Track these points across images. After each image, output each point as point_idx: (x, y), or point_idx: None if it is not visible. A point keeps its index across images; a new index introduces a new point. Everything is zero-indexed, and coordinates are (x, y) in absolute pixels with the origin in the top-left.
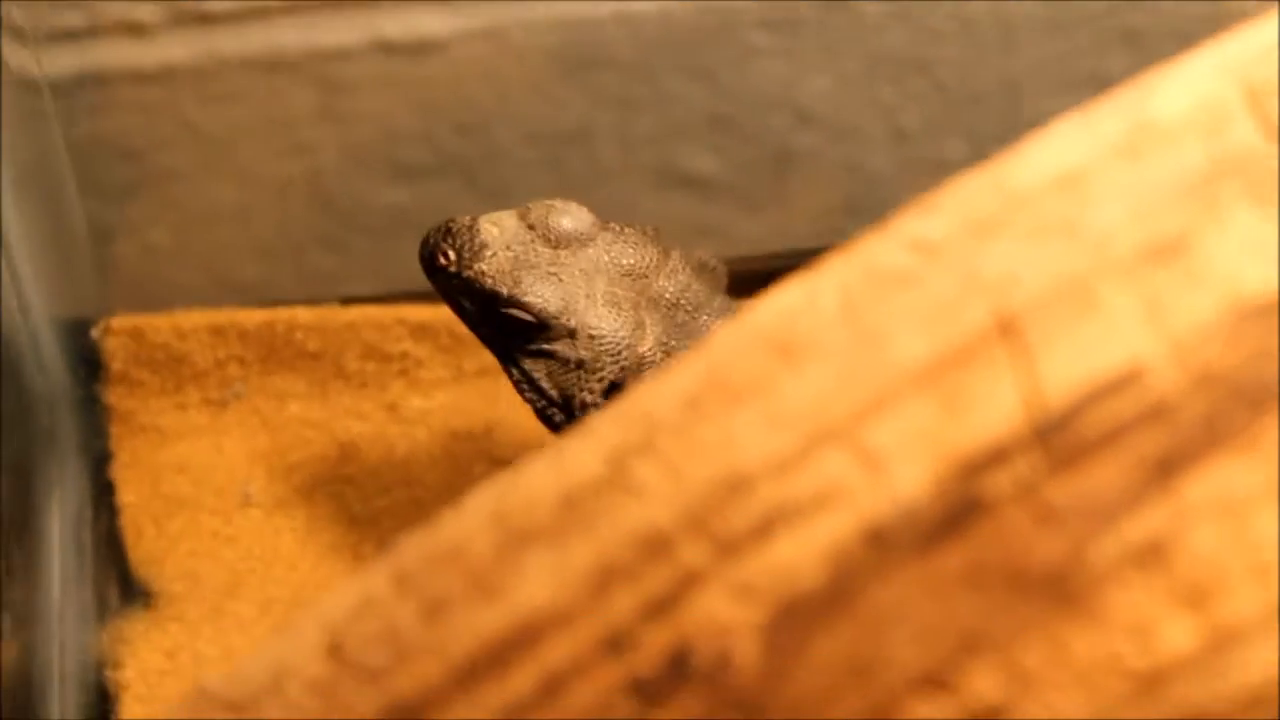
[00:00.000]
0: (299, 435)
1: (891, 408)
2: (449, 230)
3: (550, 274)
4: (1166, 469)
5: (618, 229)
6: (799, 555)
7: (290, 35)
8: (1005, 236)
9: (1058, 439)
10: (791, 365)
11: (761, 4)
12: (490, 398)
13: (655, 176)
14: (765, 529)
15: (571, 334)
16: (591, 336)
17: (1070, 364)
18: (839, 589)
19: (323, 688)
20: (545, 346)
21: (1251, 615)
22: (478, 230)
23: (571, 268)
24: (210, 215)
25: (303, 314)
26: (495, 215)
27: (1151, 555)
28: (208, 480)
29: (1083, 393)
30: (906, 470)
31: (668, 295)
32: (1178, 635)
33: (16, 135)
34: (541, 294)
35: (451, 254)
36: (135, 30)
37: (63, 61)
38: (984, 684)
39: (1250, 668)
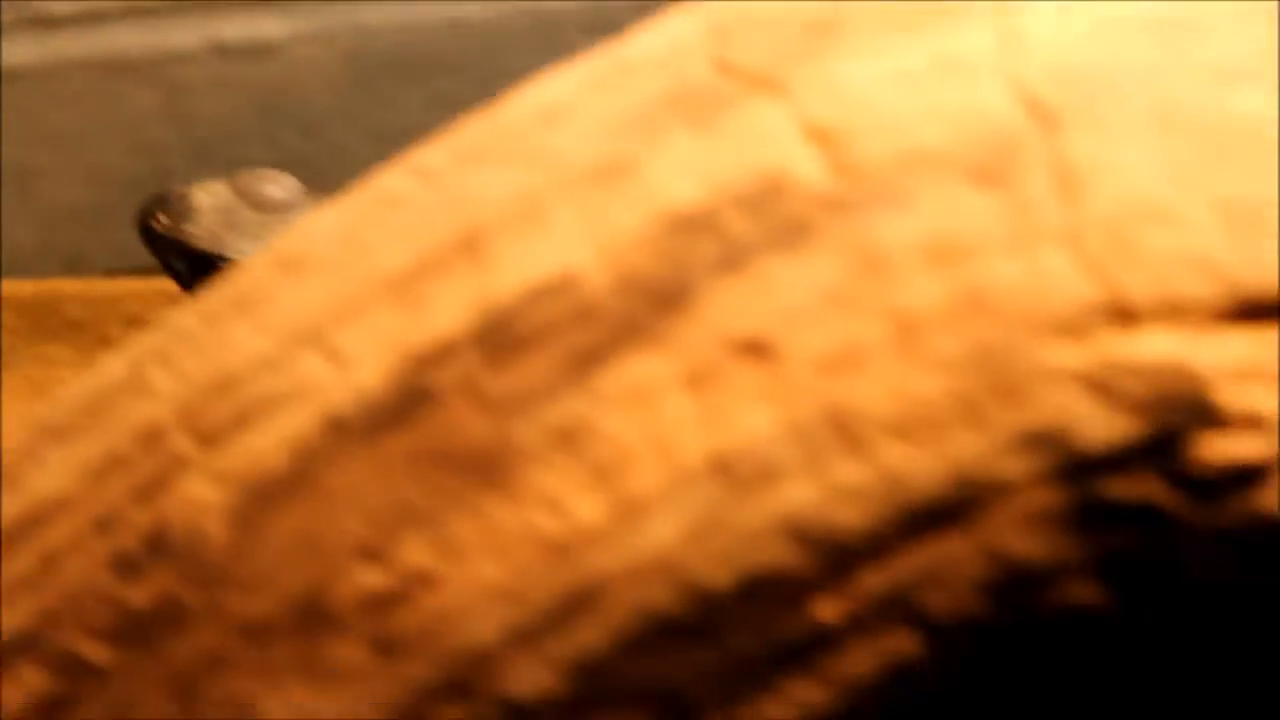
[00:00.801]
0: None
1: (365, 312)
2: (163, 197)
3: (256, 236)
4: (587, 362)
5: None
6: (267, 444)
7: (130, 38)
8: (487, 162)
9: (498, 336)
10: (290, 278)
11: (583, 7)
12: None
13: None
14: (242, 421)
15: None
16: None
17: (516, 271)
18: (299, 473)
19: None
20: None
21: (654, 490)
22: (189, 196)
23: (279, 231)
24: (66, 212)
25: (70, 285)
26: (206, 183)
27: (568, 438)
28: None
29: (522, 296)
30: (367, 366)
31: None
32: (588, 508)
33: None
34: (244, 252)
35: (164, 218)
36: None
37: None
38: (415, 554)
39: (654, 537)
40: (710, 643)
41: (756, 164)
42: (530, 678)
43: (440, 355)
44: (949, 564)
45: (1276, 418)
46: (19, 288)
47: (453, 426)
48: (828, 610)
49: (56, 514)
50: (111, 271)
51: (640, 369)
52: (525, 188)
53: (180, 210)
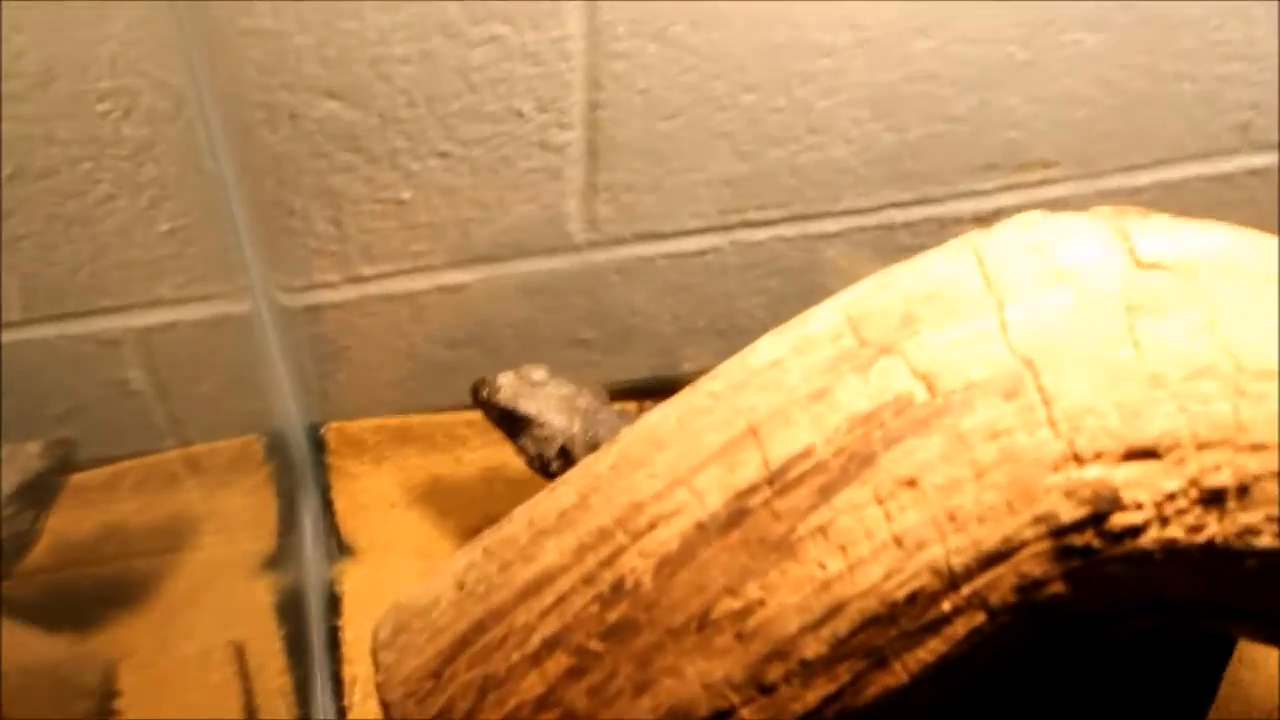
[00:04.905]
0: (413, 474)
1: (706, 468)
2: (483, 379)
3: (530, 398)
4: (826, 492)
5: (560, 378)
6: (668, 535)
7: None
8: (749, 389)
9: (779, 480)
10: (658, 450)
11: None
12: (504, 455)
13: None
14: (650, 525)
15: (541, 425)
16: (550, 425)
17: (781, 446)
18: (685, 551)
19: (455, 604)
20: (530, 431)
21: (867, 553)
22: (496, 378)
23: (539, 395)
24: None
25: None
26: (504, 372)
27: (822, 530)
28: (376, 496)
29: (787, 459)
30: (713, 496)
31: (582, 406)
32: (835, 564)
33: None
34: (527, 408)
35: (484, 390)
36: None
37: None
38: (755, 591)
39: (869, 577)
40: (893, 624)
41: (893, 389)
42: (815, 648)
43: (751, 490)
44: (1000, 578)
45: (1148, 505)
46: (400, 420)
47: (762, 526)
48: (946, 605)
49: (559, 574)
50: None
51: (852, 494)
52: (774, 403)
53: (492, 386)
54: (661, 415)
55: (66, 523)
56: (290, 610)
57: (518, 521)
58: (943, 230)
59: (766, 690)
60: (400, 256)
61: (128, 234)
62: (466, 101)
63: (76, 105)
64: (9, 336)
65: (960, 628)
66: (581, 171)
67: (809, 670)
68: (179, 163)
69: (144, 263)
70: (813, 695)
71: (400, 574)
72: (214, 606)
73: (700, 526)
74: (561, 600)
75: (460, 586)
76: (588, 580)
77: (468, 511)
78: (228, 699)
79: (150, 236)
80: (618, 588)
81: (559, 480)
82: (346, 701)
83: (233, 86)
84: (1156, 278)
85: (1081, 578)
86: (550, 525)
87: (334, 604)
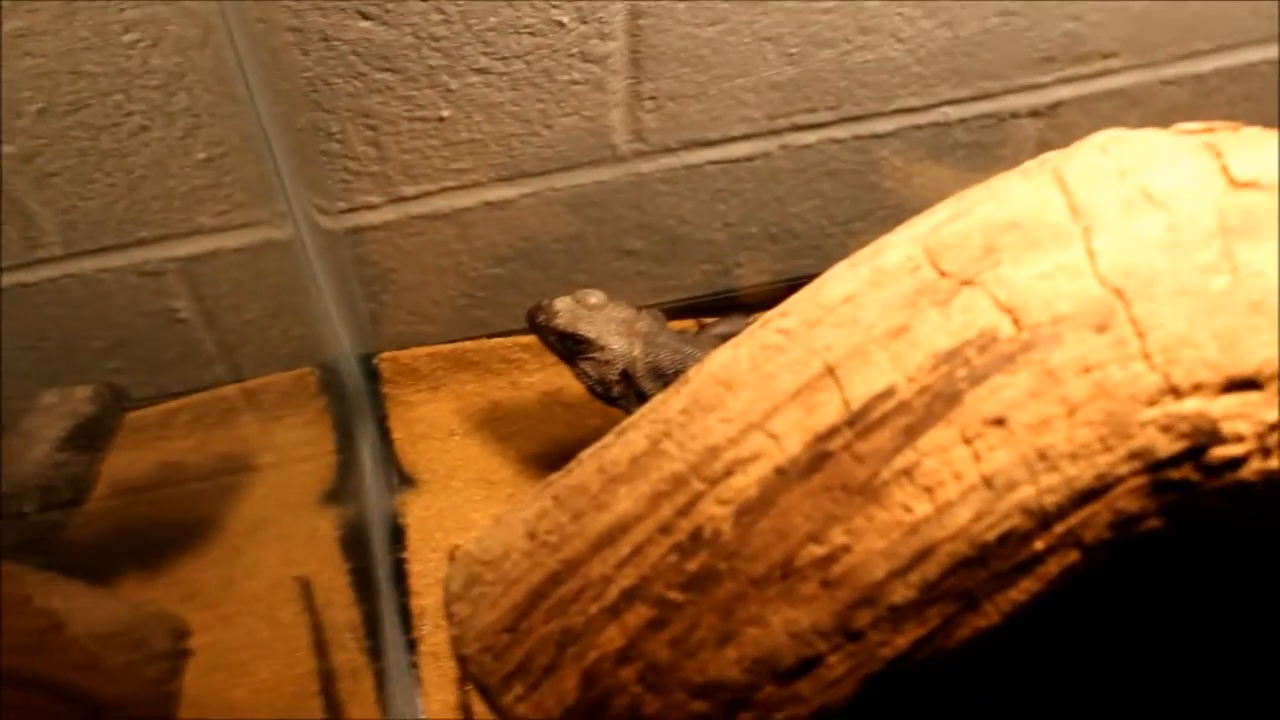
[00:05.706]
0: (471, 401)
1: (782, 410)
2: (540, 304)
3: (589, 322)
4: (910, 433)
5: (617, 301)
6: (746, 482)
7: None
8: (823, 327)
9: (861, 422)
10: (731, 392)
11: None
12: (561, 379)
13: None
14: (727, 471)
15: (600, 349)
16: (610, 349)
17: (861, 386)
18: (765, 498)
19: (527, 554)
20: (589, 355)
21: (955, 496)
22: (553, 303)
23: (598, 319)
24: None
25: (473, 343)
26: (560, 297)
27: (907, 473)
28: (434, 425)
29: (868, 400)
30: (791, 440)
31: (642, 329)
32: (922, 507)
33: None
34: (586, 331)
35: (541, 315)
36: None
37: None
38: (837, 536)
39: (957, 520)
40: (984, 566)
41: (976, 325)
42: (903, 593)
43: (831, 433)
44: (1094, 516)
45: (1249, 436)
46: (447, 347)
47: (844, 471)
48: (1039, 545)
49: (634, 524)
50: (496, 334)
51: (938, 435)
52: (850, 340)
53: (549, 310)
54: (731, 355)
55: (123, 464)
56: (354, 543)
57: (587, 467)
58: (1000, 126)
59: (855, 637)
60: (443, 174)
61: (163, 164)
62: (504, 15)
63: (102, 37)
64: (50, 272)
65: (1053, 566)
66: (625, 82)
67: (898, 615)
68: (211, 91)
69: (182, 192)
70: (902, 639)
71: (464, 503)
72: (277, 542)
73: (780, 472)
74: (638, 550)
75: (532, 536)
76: (665, 529)
77: (528, 437)
78: (297, 634)
79: (186, 166)
80: (696, 537)
81: (627, 423)
82: (416, 634)
83: (262, 11)
84: (1252, 197)
85: (1179, 511)
86: (622, 472)
87: (398, 536)
